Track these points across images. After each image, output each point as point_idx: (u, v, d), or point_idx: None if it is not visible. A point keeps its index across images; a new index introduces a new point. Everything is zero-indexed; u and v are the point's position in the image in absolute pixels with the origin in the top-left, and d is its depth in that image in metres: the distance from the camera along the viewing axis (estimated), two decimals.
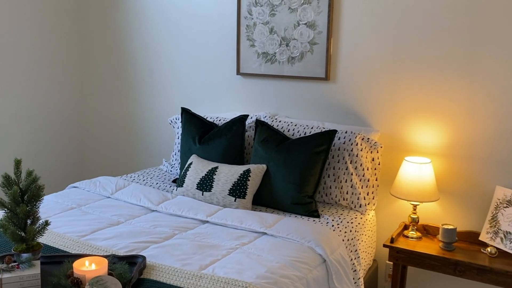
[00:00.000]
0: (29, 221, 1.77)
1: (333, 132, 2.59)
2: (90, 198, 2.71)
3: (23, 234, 1.76)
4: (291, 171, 2.53)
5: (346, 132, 2.69)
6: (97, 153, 4.04)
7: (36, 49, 3.61)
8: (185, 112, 3.05)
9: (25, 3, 3.49)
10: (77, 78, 3.95)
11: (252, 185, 2.57)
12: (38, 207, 1.80)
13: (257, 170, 2.61)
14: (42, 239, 2.09)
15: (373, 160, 2.71)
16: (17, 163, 1.76)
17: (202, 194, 2.62)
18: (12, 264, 1.68)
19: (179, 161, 3.09)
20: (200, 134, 2.93)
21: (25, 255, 1.74)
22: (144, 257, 1.91)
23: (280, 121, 2.93)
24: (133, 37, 3.67)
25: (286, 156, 2.58)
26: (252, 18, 3.10)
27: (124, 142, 3.88)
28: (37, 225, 1.79)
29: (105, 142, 3.98)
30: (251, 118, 2.99)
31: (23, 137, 3.60)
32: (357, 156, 2.64)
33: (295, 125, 2.85)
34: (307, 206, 2.51)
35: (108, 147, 3.97)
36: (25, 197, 1.75)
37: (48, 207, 2.54)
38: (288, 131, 2.83)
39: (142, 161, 3.79)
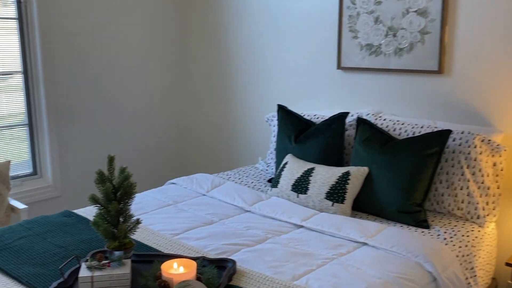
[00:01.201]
0: (121, 219, 1.76)
1: (447, 132, 2.29)
2: (187, 195, 2.70)
3: (115, 231, 1.74)
4: (397, 175, 2.28)
5: (462, 133, 2.37)
6: (196, 150, 4.08)
7: (141, 48, 3.71)
8: (281, 109, 2.92)
9: (129, 3, 3.60)
10: (178, 75, 4.01)
11: (352, 189, 2.36)
12: (130, 204, 1.78)
13: (358, 172, 2.39)
14: (137, 236, 2.09)
15: (494, 165, 2.36)
16: (110, 160, 1.75)
17: (297, 196, 2.47)
18: (104, 261, 1.67)
19: (275, 160, 2.97)
20: (296, 132, 2.78)
21: (117, 253, 1.72)
22: (234, 262, 1.81)
23: (384, 120, 2.67)
24: (232, 34, 3.62)
25: (391, 159, 2.33)
26: (356, 8, 2.87)
27: (223, 139, 3.86)
28: (129, 223, 1.77)
29: (204, 138, 4.00)
30: (352, 115, 2.78)
31: (128, 134, 3.74)
32: (475, 160, 2.31)
33: (402, 124, 2.58)
34: (415, 215, 2.25)
35: (207, 143, 3.98)
36: (118, 194, 1.74)
37: (146, 202, 2.57)
38: (394, 130, 2.57)
39: (239, 158, 3.74)
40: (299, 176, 2.51)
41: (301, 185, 2.47)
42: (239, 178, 2.96)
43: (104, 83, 3.52)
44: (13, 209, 2.84)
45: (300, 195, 2.46)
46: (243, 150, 3.71)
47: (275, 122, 3.11)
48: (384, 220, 2.33)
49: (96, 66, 3.45)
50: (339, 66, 3.01)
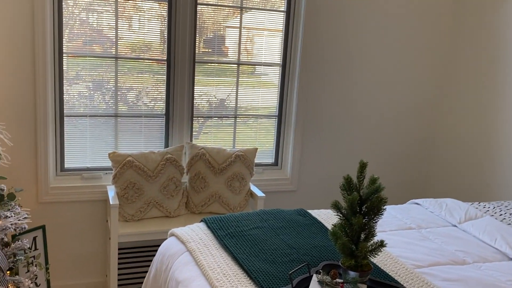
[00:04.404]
0: (362, 235, 1.51)
1: None
2: (433, 222, 2.32)
3: (354, 248, 1.51)
4: None
5: None
6: (446, 169, 3.57)
7: (399, 56, 3.41)
8: None
9: (400, 9, 3.32)
10: (434, 86, 3.57)
11: None
12: (376, 221, 1.52)
13: None
14: (374, 258, 1.82)
15: None
16: (362, 167, 1.51)
17: None
18: (338, 280, 1.45)
19: None
20: None
21: (352, 274, 1.49)
22: None
23: None
24: (507, 43, 3.00)
25: None
26: None
27: (481, 161, 3.26)
28: (371, 242, 1.51)
29: (458, 159, 3.46)
30: None
31: (371, 142, 3.49)
32: None
33: None
34: None
35: (460, 165, 3.44)
36: (364, 207, 1.50)
37: (384, 220, 2.30)
38: None
39: (502, 189, 3.09)
40: None
41: None
42: (501, 215, 2.41)
43: (354, 87, 3.34)
44: (252, 194, 2.92)
45: None
46: (507, 179, 3.05)
47: None
48: None
49: (350, 69, 3.29)
50: None
